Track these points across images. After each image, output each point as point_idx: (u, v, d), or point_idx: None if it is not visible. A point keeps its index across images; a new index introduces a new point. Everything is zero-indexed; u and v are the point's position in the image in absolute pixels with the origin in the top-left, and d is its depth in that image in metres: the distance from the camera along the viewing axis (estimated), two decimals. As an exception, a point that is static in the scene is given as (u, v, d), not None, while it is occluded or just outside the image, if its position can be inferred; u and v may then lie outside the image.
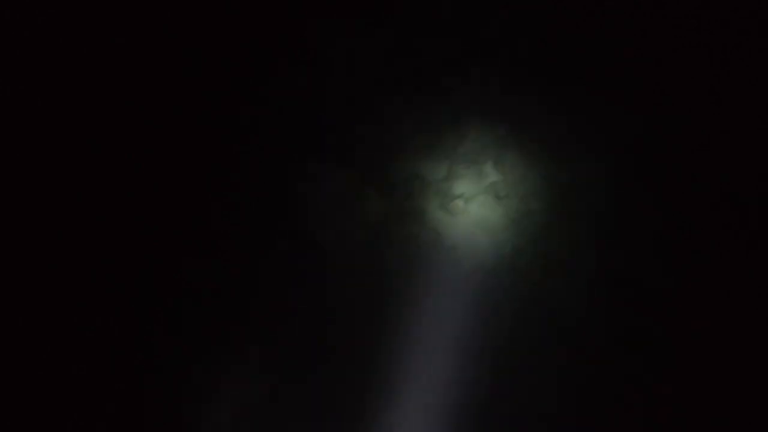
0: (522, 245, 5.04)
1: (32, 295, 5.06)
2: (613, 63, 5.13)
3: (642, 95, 5.11)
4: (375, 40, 5.23)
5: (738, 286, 4.94)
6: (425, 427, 4.89)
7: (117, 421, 4.98)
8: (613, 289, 5.00)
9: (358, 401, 4.94)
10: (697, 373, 4.89)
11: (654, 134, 5.09)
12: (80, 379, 4.99)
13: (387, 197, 5.08)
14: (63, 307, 5.05)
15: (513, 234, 5.04)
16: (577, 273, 5.02)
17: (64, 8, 5.24)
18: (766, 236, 4.98)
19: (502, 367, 4.96)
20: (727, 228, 5.00)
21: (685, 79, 5.12)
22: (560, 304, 5.00)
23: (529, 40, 5.20)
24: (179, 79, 5.25)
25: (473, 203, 5.09)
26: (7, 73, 5.24)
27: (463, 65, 5.21)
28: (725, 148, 5.06)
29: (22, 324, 5.03)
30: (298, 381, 5.03)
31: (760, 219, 5.00)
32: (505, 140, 5.11)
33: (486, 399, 4.92)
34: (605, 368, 4.93)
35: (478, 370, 4.95)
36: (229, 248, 5.16)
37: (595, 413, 4.90)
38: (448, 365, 4.94)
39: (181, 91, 5.24)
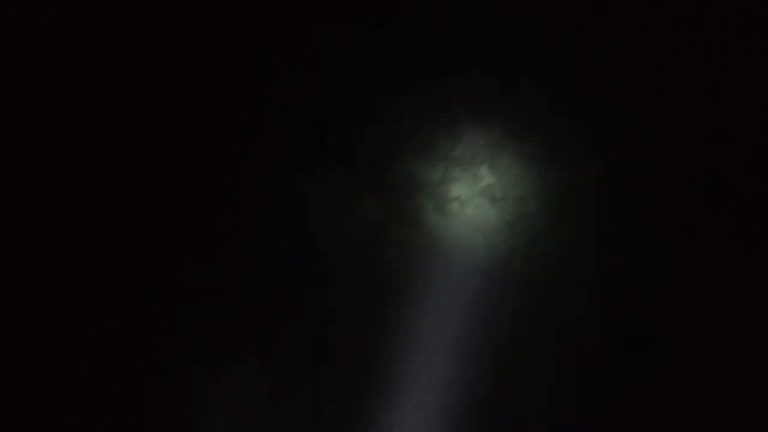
0: (518, 247, 5.04)
1: (32, 295, 5.06)
2: (613, 63, 5.13)
3: (642, 95, 5.11)
4: (375, 40, 5.24)
5: (738, 286, 4.94)
6: (425, 428, 4.89)
7: (117, 421, 4.98)
8: (613, 289, 5.00)
9: (357, 401, 4.94)
10: (697, 373, 4.89)
11: (654, 134, 5.09)
12: (80, 379, 4.99)
13: (383, 200, 5.09)
14: (63, 307, 5.05)
15: (509, 236, 5.04)
16: (576, 273, 5.02)
17: (64, 8, 5.24)
18: (766, 236, 4.98)
19: (502, 367, 4.96)
20: (727, 228, 5.00)
21: (685, 79, 5.12)
22: (559, 304, 5.00)
23: (529, 40, 5.20)
24: (179, 79, 5.25)
25: (469, 206, 5.09)
26: (7, 73, 5.24)
27: (463, 65, 5.21)
28: (725, 148, 5.06)
29: (22, 324, 5.03)
30: (298, 381, 5.03)
31: (760, 219, 5.00)
32: (500, 142, 5.11)
33: (486, 399, 4.92)
34: (605, 368, 4.93)
35: (477, 371, 4.95)
36: (229, 248, 5.16)
37: (595, 413, 4.90)
38: (448, 365, 4.94)
39: (181, 91, 5.24)
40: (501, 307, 5.00)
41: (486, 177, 5.11)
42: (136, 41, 5.26)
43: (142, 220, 5.14)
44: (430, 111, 5.15)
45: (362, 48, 5.23)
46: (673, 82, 5.11)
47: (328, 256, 5.11)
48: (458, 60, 5.22)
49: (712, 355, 4.88)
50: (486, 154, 5.11)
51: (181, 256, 5.12)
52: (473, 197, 5.10)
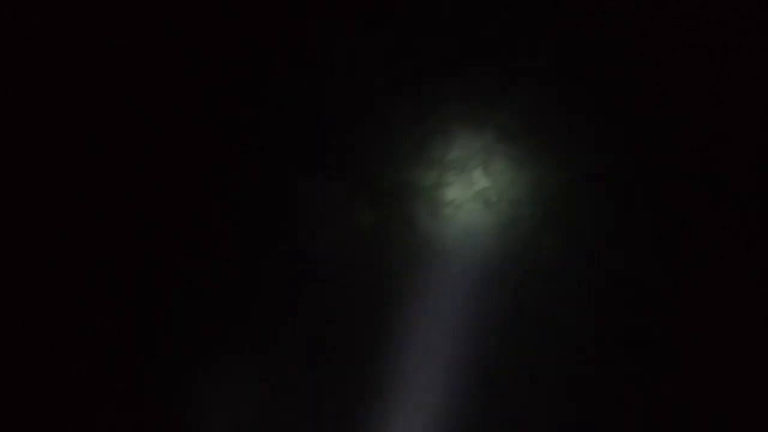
0: (514, 249, 5.03)
1: (32, 295, 5.06)
2: (613, 63, 5.13)
3: (642, 95, 5.11)
4: (375, 40, 5.23)
5: (738, 286, 4.94)
6: (424, 428, 4.89)
7: (117, 421, 4.98)
8: (613, 289, 5.00)
9: (357, 401, 4.94)
10: (697, 373, 4.88)
11: (654, 134, 5.09)
12: (80, 379, 4.99)
13: (378, 204, 5.08)
14: (63, 307, 5.05)
15: (504, 239, 5.04)
16: (575, 274, 5.02)
17: (64, 8, 5.24)
18: (766, 236, 4.98)
19: (502, 368, 4.96)
20: (727, 228, 5.00)
21: (685, 79, 5.11)
22: (559, 305, 5.00)
23: (529, 40, 5.20)
24: (179, 79, 5.25)
25: (464, 209, 5.09)
26: (7, 73, 5.24)
27: (463, 65, 5.21)
28: (725, 148, 5.06)
29: (22, 324, 5.03)
30: (298, 381, 5.03)
31: (760, 219, 5.00)
32: (494, 146, 5.11)
33: (485, 399, 4.92)
34: (605, 368, 4.93)
35: (477, 371, 4.94)
36: (229, 248, 5.16)
37: (595, 413, 4.90)
38: (447, 366, 4.94)
39: (181, 91, 5.24)
40: (499, 309, 5.00)
41: (480, 181, 5.11)
42: (136, 41, 5.26)
43: (142, 220, 5.14)
44: (424, 115, 5.15)
45: (362, 48, 5.23)
46: (673, 82, 5.11)
47: (327, 257, 5.11)
48: (458, 60, 5.22)
49: (712, 355, 4.88)
50: (480, 158, 5.11)
51: (181, 256, 5.12)
52: (468, 201, 5.10)
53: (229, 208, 5.20)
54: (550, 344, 4.96)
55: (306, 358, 5.04)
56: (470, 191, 5.10)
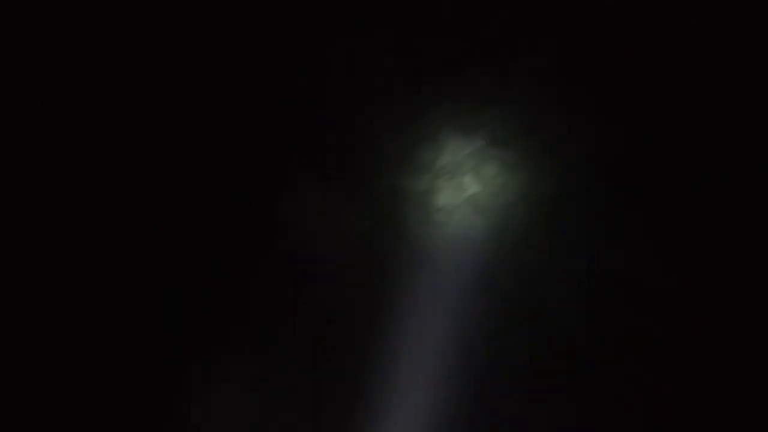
0: (508, 252, 5.04)
1: (32, 295, 5.06)
2: (613, 63, 5.13)
3: (642, 95, 5.11)
4: (375, 40, 5.23)
5: (738, 286, 4.94)
6: (424, 428, 4.89)
7: (117, 421, 4.98)
8: (612, 289, 5.00)
9: (357, 402, 4.94)
10: (697, 373, 4.88)
11: (654, 134, 5.09)
12: (80, 379, 4.99)
13: (369, 210, 5.08)
14: (63, 307, 5.05)
15: (496, 244, 5.04)
16: (575, 274, 5.02)
17: (64, 8, 5.24)
18: (766, 236, 4.98)
19: (502, 369, 4.96)
20: (727, 228, 5.00)
21: (685, 79, 5.11)
22: (559, 305, 5.00)
23: (529, 40, 5.19)
24: (179, 79, 5.25)
25: (455, 215, 5.09)
26: (7, 73, 5.24)
27: (463, 65, 5.21)
28: (725, 148, 5.06)
29: (22, 324, 5.03)
30: (297, 381, 5.03)
31: (760, 219, 5.00)
32: (484, 151, 5.11)
33: (485, 399, 4.92)
34: (605, 368, 4.93)
35: (476, 372, 4.94)
36: (229, 248, 5.16)
37: (595, 413, 4.90)
38: (447, 367, 4.94)
39: (181, 91, 5.24)
40: (496, 311, 5.00)
41: (471, 186, 5.10)
42: (136, 41, 5.26)
43: (142, 220, 5.14)
44: (414, 121, 5.15)
45: (362, 48, 5.23)
46: (673, 82, 5.11)
47: (326, 257, 5.12)
48: (458, 60, 5.22)
49: (712, 355, 4.88)
50: (471, 164, 5.11)
51: (181, 256, 5.12)
52: (459, 206, 5.09)
53: (229, 208, 5.20)
54: (550, 344, 4.96)
55: (306, 358, 5.04)
56: (461, 197, 5.10)
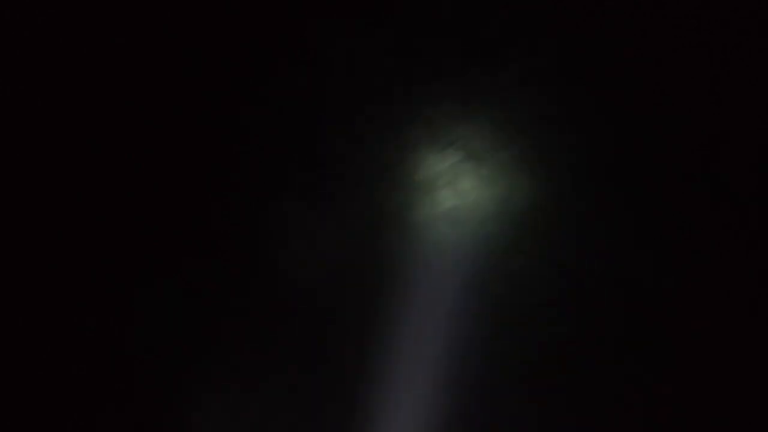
0: (511, 247, 5.04)
1: (32, 295, 5.06)
2: (613, 63, 5.13)
3: (642, 95, 5.11)
4: (375, 40, 5.23)
5: (738, 286, 4.94)
6: (424, 428, 4.89)
7: (117, 421, 4.98)
8: (612, 290, 5.00)
9: (357, 402, 4.94)
10: (697, 373, 4.88)
11: (654, 134, 5.09)
12: (80, 379, 4.99)
13: (347, 227, 5.09)
14: (62, 307, 5.05)
15: (484, 246, 5.05)
16: (575, 275, 5.02)
17: (64, 8, 5.24)
18: (766, 236, 4.98)
19: (502, 369, 4.95)
20: (727, 228, 5.00)
21: (685, 79, 5.11)
22: (559, 305, 5.00)
23: (529, 40, 5.19)
24: (179, 79, 5.25)
25: (431, 229, 5.08)
26: (7, 73, 5.24)
27: (463, 65, 5.21)
28: (725, 148, 5.06)
29: (22, 324, 5.03)
30: (297, 381, 5.03)
31: (760, 219, 5.00)
32: (460, 165, 5.11)
33: (485, 400, 4.92)
34: (605, 368, 4.93)
35: (476, 372, 4.94)
36: (229, 248, 5.16)
37: (595, 413, 4.90)
38: (446, 367, 4.94)
39: (181, 91, 5.24)
40: (495, 313, 5.00)
41: (448, 200, 5.10)
42: (136, 41, 5.26)
43: (142, 220, 5.13)
44: (389, 137, 5.15)
45: (362, 48, 5.23)
46: (673, 82, 5.11)
47: (326, 258, 5.12)
48: (458, 60, 5.22)
49: (712, 355, 4.88)
50: (447, 178, 5.11)
51: (181, 256, 5.12)
52: (435, 221, 5.09)
53: (229, 208, 5.20)
54: (549, 345, 4.96)
55: (306, 358, 5.04)
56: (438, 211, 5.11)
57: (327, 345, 5.05)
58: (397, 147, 5.17)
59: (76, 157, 5.20)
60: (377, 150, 5.17)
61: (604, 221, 5.06)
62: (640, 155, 5.09)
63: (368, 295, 5.03)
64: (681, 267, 4.99)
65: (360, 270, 5.08)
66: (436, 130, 5.17)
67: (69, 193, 5.17)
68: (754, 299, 4.93)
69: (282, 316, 5.07)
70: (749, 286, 4.94)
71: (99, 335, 5.03)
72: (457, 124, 5.17)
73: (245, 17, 5.27)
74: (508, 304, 4.99)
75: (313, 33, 5.24)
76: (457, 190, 5.11)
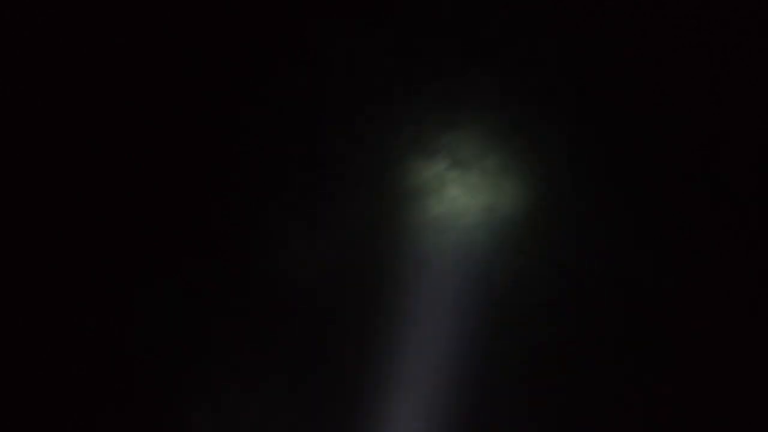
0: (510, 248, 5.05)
1: (32, 295, 5.06)
2: (613, 63, 5.13)
3: (642, 95, 5.11)
4: (375, 40, 5.23)
5: (738, 286, 4.94)
6: (424, 428, 4.89)
7: (117, 421, 4.98)
8: (612, 290, 5.00)
9: (356, 402, 4.94)
10: (697, 373, 4.88)
11: (654, 134, 5.09)
12: (80, 379, 4.99)
13: (334, 237, 5.09)
14: (63, 307, 5.05)
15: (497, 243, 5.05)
16: (575, 275, 5.03)
17: (64, 8, 5.24)
18: (766, 236, 4.98)
19: (501, 369, 4.96)
20: (727, 228, 5.00)
21: (685, 79, 5.11)
22: (558, 305, 5.01)
23: (529, 40, 5.19)
24: (179, 79, 5.25)
25: (419, 235, 5.09)
26: (7, 73, 5.24)
27: (464, 65, 5.21)
28: (725, 148, 5.06)
29: (22, 324, 5.03)
30: (297, 381, 5.03)
31: (760, 219, 5.00)
32: (445, 173, 5.12)
33: (485, 400, 4.92)
34: (605, 368, 4.93)
35: (476, 372, 4.95)
36: (229, 248, 5.16)
37: (595, 413, 4.90)
38: (446, 367, 4.94)
39: (181, 91, 5.24)
40: (497, 313, 5.00)
41: (435, 207, 5.10)
42: (136, 41, 5.26)
43: (142, 220, 5.14)
44: (374, 147, 5.16)
45: (362, 48, 5.23)
46: (673, 82, 5.11)
47: (326, 258, 5.12)
48: (458, 60, 5.23)
49: (712, 355, 4.88)
50: (433, 185, 5.12)
51: (181, 256, 5.12)
52: (422, 228, 5.09)
53: (229, 208, 5.20)
54: (549, 345, 4.96)
55: (306, 358, 5.04)
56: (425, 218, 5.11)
57: (327, 345, 5.05)
58: (398, 147, 5.17)
59: (76, 157, 5.20)
60: (377, 150, 5.17)
61: (604, 221, 5.07)
62: (640, 155, 5.10)
63: (368, 295, 5.03)
64: (681, 267, 4.99)
65: (360, 270, 5.08)
66: (437, 130, 5.17)
67: (69, 193, 5.17)
68: (754, 299, 4.93)
69: (282, 316, 5.07)
70: (749, 286, 4.94)
71: (99, 335, 5.03)
72: (458, 124, 5.17)
73: (245, 17, 5.28)
74: (508, 304, 4.99)
75: (313, 33, 5.24)
76: (456, 190, 5.11)
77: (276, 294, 5.09)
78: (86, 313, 5.05)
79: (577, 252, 5.04)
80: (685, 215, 5.02)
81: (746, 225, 5.00)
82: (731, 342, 4.89)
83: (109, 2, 5.26)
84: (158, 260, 5.11)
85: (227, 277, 5.11)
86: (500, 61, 5.19)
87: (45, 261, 5.10)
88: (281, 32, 5.27)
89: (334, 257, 5.11)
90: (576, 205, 5.08)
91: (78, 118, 5.23)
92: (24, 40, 5.25)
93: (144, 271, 5.09)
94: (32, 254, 5.11)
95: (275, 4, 5.28)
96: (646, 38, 5.13)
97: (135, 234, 5.12)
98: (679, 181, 5.06)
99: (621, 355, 4.94)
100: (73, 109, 5.23)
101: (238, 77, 5.25)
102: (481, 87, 5.17)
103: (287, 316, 5.07)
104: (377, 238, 5.10)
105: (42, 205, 5.15)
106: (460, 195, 5.09)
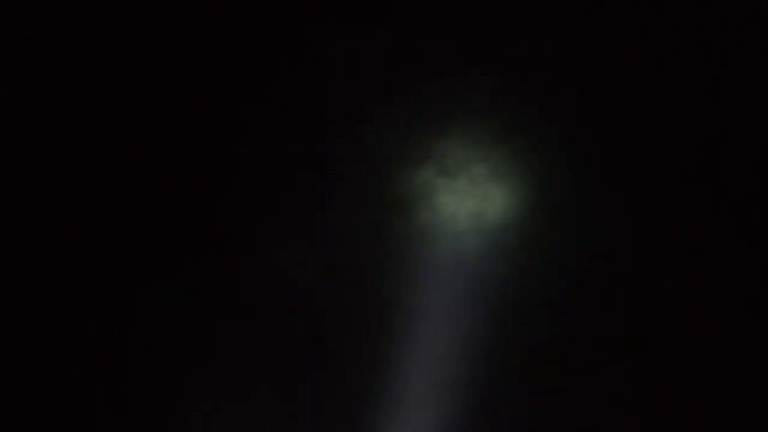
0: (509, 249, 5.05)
1: (32, 295, 5.06)
2: (613, 63, 5.13)
3: (642, 95, 5.11)
4: (375, 40, 5.23)
5: (738, 286, 4.94)
6: (424, 428, 4.89)
7: (117, 421, 4.98)
8: (612, 290, 5.00)
9: (357, 402, 4.94)
10: (697, 373, 4.88)
11: (654, 134, 5.09)
12: (80, 379, 4.99)
13: (321, 243, 5.09)
14: (62, 307, 5.05)
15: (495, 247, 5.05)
16: (575, 275, 5.02)
17: (64, 8, 5.24)
18: (766, 236, 4.98)
19: (501, 369, 4.95)
20: (727, 228, 5.00)
21: (685, 79, 5.11)
22: (558, 306, 5.01)
23: (529, 40, 5.19)
24: (179, 79, 5.25)
25: (408, 244, 5.09)
26: (7, 73, 5.24)
27: (464, 65, 5.21)
28: (725, 148, 5.06)
29: (22, 324, 5.03)
30: (297, 381, 5.03)
31: (760, 219, 5.00)
32: (435, 180, 5.12)
33: (485, 400, 4.92)
34: (605, 368, 4.93)
35: (475, 372, 4.94)
36: (229, 248, 5.16)
37: (595, 413, 4.90)
38: (446, 367, 4.94)
39: (181, 91, 5.24)
40: (495, 313, 5.00)
41: (423, 215, 5.10)
42: (136, 41, 5.26)
43: (142, 220, 5.14)
44: (362, 154, 5.16)
45: (362, 48, 5.23)
46: (673, 82, 5.11)
47: (326, 258, 5.12)
48: (458, 60, 5.23)
49: (712, 355, 4.88)
50: (422, 193, 5.12)
51: (181, 256, 5.12)
52: (410, 236, 5.09)
53: (229, 208, 5.20)
54: (550, 345, 4.96)
55: (306, 359, 5.04)
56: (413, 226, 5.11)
57: (327, 345, 5.05)
58: (399, 146, 5.17)
59: (76, 157, 5.20)
60: (377, 150, 5.17)
61: (604, 221, 5.07)
62: (640, 155, 5.10)
63: (368, 295, 5.03)
64: (681, 267, 4.99)
65: (360, 270, 5.08)
66: (439, 130, 5.17)
67: (69, 193, 5.17)
68: (754, 299, 4.93)
69: (282, 316, 5.07)
70: (749, 286, 4.94)
71: (99, 335, 5.03)
72: (458, 125, 5.17)
73: (245, 17, 5.28)
74: (508, 304, 4.99)
75: (313, 33, 5.24)
76: (456, 191, 5.11)
77: (276, 294, 5.09)
78: (86, 313, 5.05)
79: (577, 252, 5.04)
80: (685, 215, 5.02)
81: (746, 225, 5.00)
82: (731, 342, 4.89)
83: (109, 2, 5.26)
84: (158, 260, 5.11)
85: (227, 277, 5.11)
86: (500, 61, 5.19)
87: (45, 261, 5.10)
88: (281, 32, 5.27)
89: (335, 257, 5.11)
90: (576, 205, 5.08)
91: (78, 118, 5.23)
92: (24, 40, 5.25)
93: (144, 271, 5.09)
94: (32, 254, 5.11)
95: (275, 4, 5.28)
96: (646, 38, 5.13)
97: (135, 234, 5.12)
98: (679, 181, 5.06)
99: (621, 355, 4.94)
100: (72, 109, 5.23)
101: (238, 77, 5.25)
102: (481, 87, 5.16)
103: (287, 316, 5.07)
104: (378, 238, 5.10)
105: (42, 205, 5.15)
106: (469, 195, 5.09)
